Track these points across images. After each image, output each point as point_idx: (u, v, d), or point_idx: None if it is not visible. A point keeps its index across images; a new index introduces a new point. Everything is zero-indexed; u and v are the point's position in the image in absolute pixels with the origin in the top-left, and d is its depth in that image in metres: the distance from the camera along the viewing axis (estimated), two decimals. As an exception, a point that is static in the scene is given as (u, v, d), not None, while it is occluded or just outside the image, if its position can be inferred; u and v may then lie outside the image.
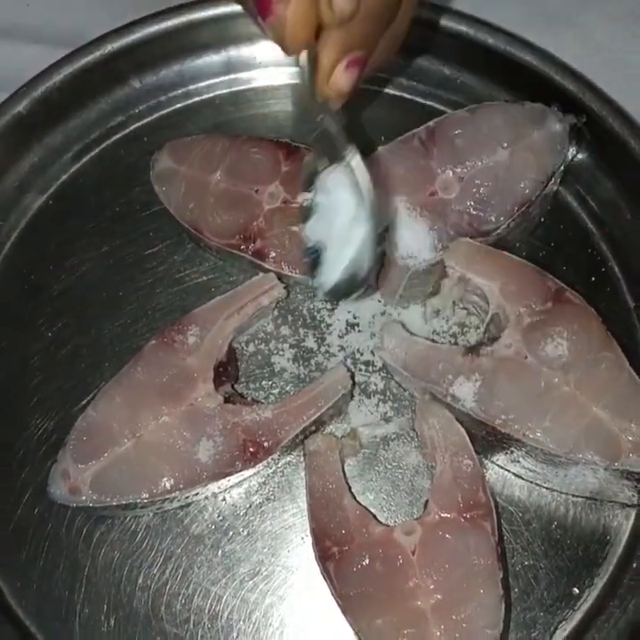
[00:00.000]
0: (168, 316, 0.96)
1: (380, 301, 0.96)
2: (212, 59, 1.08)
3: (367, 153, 0.94)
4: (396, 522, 0.87)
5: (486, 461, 0.89)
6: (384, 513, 0.88)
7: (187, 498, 0.85)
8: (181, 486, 0.82)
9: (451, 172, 0.92)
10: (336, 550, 0.80)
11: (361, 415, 0.92)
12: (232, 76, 1.08)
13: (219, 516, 0.89)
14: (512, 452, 0.84)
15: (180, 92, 1.08)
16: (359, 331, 0.95)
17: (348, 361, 0.94)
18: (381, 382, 0.93)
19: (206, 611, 0.86)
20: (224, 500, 0.89)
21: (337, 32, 0.64)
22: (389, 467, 0.90)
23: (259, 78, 1.09)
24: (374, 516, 0.83)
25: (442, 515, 0.80)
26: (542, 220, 0.99)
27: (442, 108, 1.05)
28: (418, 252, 0.91)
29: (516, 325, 0.84)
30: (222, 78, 1.08)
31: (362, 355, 0.94)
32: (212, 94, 1.08)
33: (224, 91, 1.08)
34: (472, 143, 0.93)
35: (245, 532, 0.88)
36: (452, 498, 0.81)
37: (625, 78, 1.07)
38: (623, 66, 1.09)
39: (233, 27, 1.05)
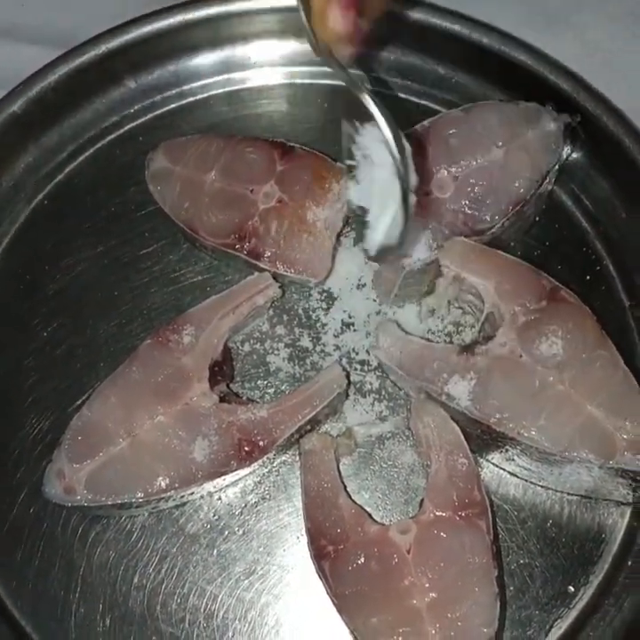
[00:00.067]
0: (163, 315, 0.97)
1: (375, 300, 0.96)
2: (207, 59, 1.08)
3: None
4: (391, 521, 0.87)
5: (481, 460, 0.89)
6: (379, 512, 0.88)
7: (182, 497, 0.85)
8: (177, 485, 0.82)
9: (445, 172, 0.93)
10: (331, 549, 0.80)
11: (356, 414, 0.92)
12: (227, 76, 1.09)
13: (214, 516, 0.89)
14: (507, 450, 0.84)
15: (174, 91, 1.08)
16: (354, 330, 0.95)
17: (344, 360, 0.94)
18: (377, 381, 0.93)
19: (202, 610, 0.86)
20: (219, 499, 0.89)
21: None
22: (385, 465, 0.90)
23: (253, 78, 1.09)
24: (369, 515, 0.83)
25: (437, 513, 0.80)
26: (537, 219, 1.00)
27: (436, 107, 1.06)
28: (413, 252, 0.91)
29: (510, 324, 0.84)
30: (217, 78, 1.09)
31: (357, 354, 0.95)
32: (206, 94, 1.08)
33: (219, 91, 1.09)
34: (467, 142, 0.93)
35: (241, 532, 0.88)
36: (448, 496, 0.81)
37: (625, 78, 1.07)
38: (623, 65, 1.10)
39: (227, 27, 1.05)
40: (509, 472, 0.89)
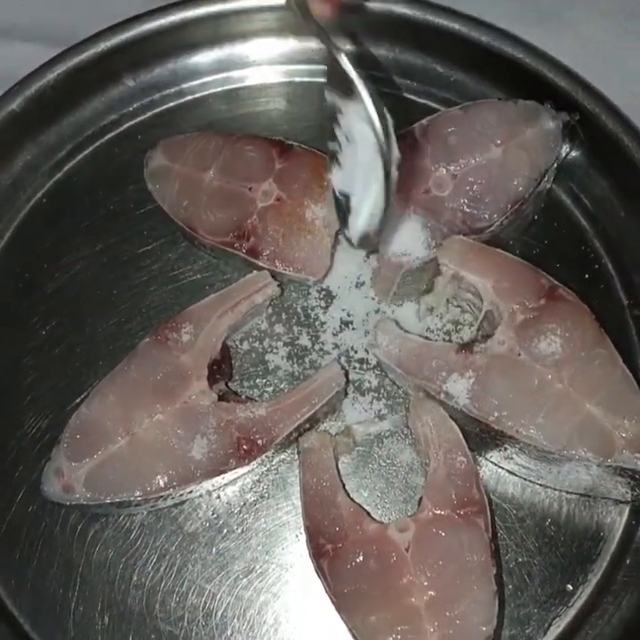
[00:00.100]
0: (162, 314, 0.96)
1: (373, 299, 0.96)
2: (206, 57, 1.08)
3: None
4: (389, 519, 0.87)
5: (480, 458, 0.89)
6: (378, 510, 0.88)
7: (181, 496, 0.85)
8: (175, 484, 0.82)
9: (444, 170, 0.93)
10: (330, 547, 0.80)
11: (355, 413, 0.92)
12: (225, 75, 1.09)
13: (213, 514, 0.89)
14: (506, 448, 0.84)
15: (173, 90, 1.08)
16: (353, 328, 0.95)
17: (342, 359, 0.94)
18: (375, 380, 0.93)
19: (200, 608, 0.86)
20: (218, 497, 0.89)
21: None
22: (383, 464, 0.90)
23: (252, 76, 1.09)
24: (368, 514, 0.83)
25: (435, 512, 0.80)
26: (536, 217, 1.00)
27: (435, 105, 1.06)
28: (411, 250, 0.91)
29: (509, 322, 0.84)
30: (216, 76, 1.08)
31: (356, 352, 0.95)
32: (205, 92, 1.08)
33: (217, 89, 1.08)
34: (465, 141, 0.93)
35: (239, 530, 0.88)
36: (446, 495, 0.81)
37: (618, 74, 1.07)
38: (616, 62, 1.10)
39: (226, 25, 1.05)
40: (508, 470, 0.89)
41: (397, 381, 0.92)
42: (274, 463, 0.90)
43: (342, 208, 0.77)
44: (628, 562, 0.87)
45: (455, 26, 1.01)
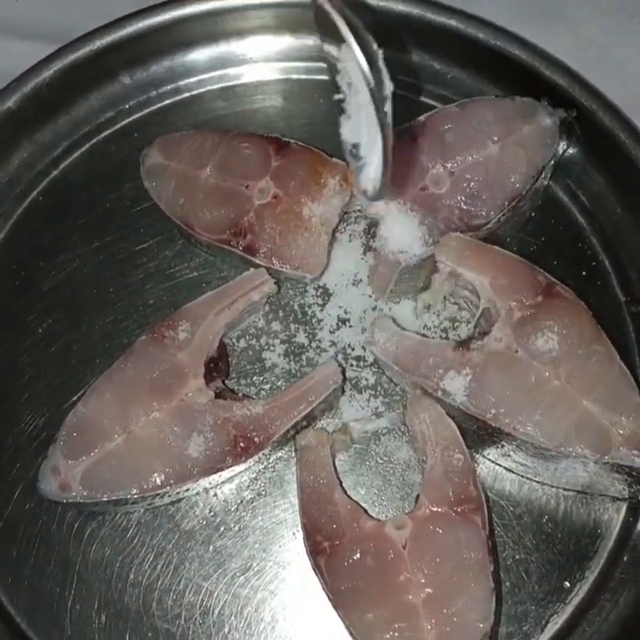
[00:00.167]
0: (159, 311, 0.96)
1: (370, 296, 0.96)
2: (202, 54, 1.08)
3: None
4: (387, 516, 0.87)
5: (477, 455, 0.89)
6: (375, 507, 0.88)
7: (178, 493, 0.85)
8: (172, 482, 0.81)
9: (441, 167, 0.92)
10: (327, 545, 0.80)
11: (352, 410, 0.92)
12: (222, 72, 1.08)
13: (210, 512, 0.89)
14: (503, 446, 0.84)
15: (169, 87, 1.08)
16: (350, 326, 0.95)
17: (339, 356, 0.94)
18: (372, 377, 0.93)
19: (198, 606, 0.86)
20: (215, 495, 0.89)
21: None
22: (380, 461, 0.90)
23: (248, 74, 1.09)
24: (365, 511, 0.83)
25: (433, 509, 0.80)
26: (533, 214, 1.00)
27: (432, 102, 1.06)
28: (408, 247, 0.91)
29: (506, 319, 0.84)
30: (212, 74, 1.08)
31: (353, 350, 0.95)
32: (202, 90, 1.08)
33: (214, 86, 1.08)
34: (462, 138, 0.93)
35: (237, 528, 0.88)
36: (443, 492, 0.81)
37: (617, 73, 1.07)
38: (615, 60, 1.10)
39: (222, 22, 1.05)
40: (505, 468, 0.89)
41: (394, 379, 0.91)
42: (271, 461, 0.90)
43: (355, 159, 0.74)
44: (625, 559, 0.87)
45: (452, 23, 1.01)
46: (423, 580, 0.77)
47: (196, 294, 0.91)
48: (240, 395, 0.92)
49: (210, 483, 0.87)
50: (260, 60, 1.09)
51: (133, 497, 0.81)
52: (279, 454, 0.90)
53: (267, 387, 0.93)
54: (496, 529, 0.87)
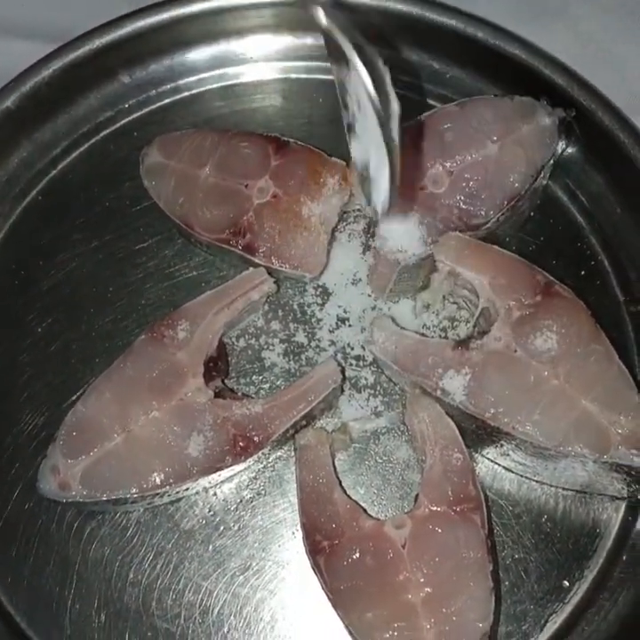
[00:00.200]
0: (158, 311, 0.96)
1: (370, 296, 0.96)
2: (202, 53, 1.08)
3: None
4: (386, 516, 0.87)
5: (476, 455, 0.89)
6: (374, 507, 0.88)
7: (177, 493, 0.85)
8: (172, 481, 0.81)
9: (440, 167, 0.92)
10: (326, 544, 0.80)
11: (351, 409, 0.92)
12: (221, 71, 1.08)
13: (209, 511, 0.89)
14: (502, 445, 0.84)
15: (169, 86, 1.08)
16: (349, 325, 0.95)
17: (339, 355, 0.94)
18: (372, 377, 0.93)
19: (197, 606, 0.86)
20: (215, 494, 0.89)
21: None
22: (380, 461, 0.90)
23: (248, 73, 1.09)
24: (365, 510, 0.83)
25: (432, 508, 0.80)
26: (532, 214, 1.00)
27: (431, 102, 1.06)
28: (408, 247, 0.91)
29: (505, 319, 0.84)
30: (211, 73, 1.08)
31: (352, 349, 0.95)
32: (201, 89, 1.08)
33: (213, 85, 1.08)
34: (461, 137, 0.93)
35: (236, 527, 0.88)
36: (443, 491, 0.81)
37: (617, 71, 1.07)
38: (615, 58, 1.09)
39: (222, 21, 1.05)
40: (504, 467, 0.89)
41: (394, 378, 0.92)
42: (270, 460, 0.90)
43: (365, 181, 0.75)
44: (624, 558, 0.87)
45: (452, 22, 1.01)
46: (422, 580, 0.77)
47: (195, 293, 0.91)
48: (239, 394, 0.92)
49: (209, 482, 0.87)
50: (260, 60, 1.09)
51: (133, 496, 0.81)
52: (278, 453, 0.90)
53: (266, 386, 0.93)
54: (495, 528, 0.87)
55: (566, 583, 0.86)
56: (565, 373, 0.81)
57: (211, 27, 1.06)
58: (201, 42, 1.08)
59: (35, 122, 1.03)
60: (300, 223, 0.92)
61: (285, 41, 1.08)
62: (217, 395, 0.86)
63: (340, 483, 0.85)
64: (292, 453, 0.88)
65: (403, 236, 0.91)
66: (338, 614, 0.78)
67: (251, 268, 0.92)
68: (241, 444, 0.83)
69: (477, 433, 0.85)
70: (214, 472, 0.83)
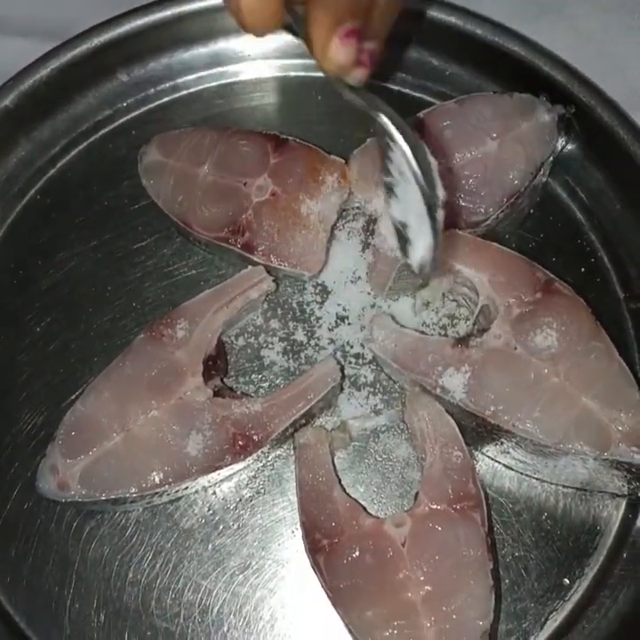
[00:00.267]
0: (157, 310, 0.96)
1: (369, 294, 0.96)
2: (200, 52, 1.08)
3: (355, 146, 0.94)
4: (386, 514, 0.87)
5: (476, 453, 0.89)
6: (374, 505, 0.88)
7: (176, 492, 0.85)
8: (171, 480, 0.81)
9: (439, 164, 0.92)
10: (326, 543, 0.80)
11: (351, 408, 0.92)
12: (220, 69, 1.08)
13: (209, 510, 0.89)
14: (502, 443, 0.84)
15: (168, 85, 1.08)
16: (349, 323, 0.95)
17: (338, 354, 0.94)
18: (371, 375, 0.93)
19: (197, 605, 0.86)
20: (214, 493, 0.89)
21: (320, 4, 0.61)
22: (379, 459, 0.90)
23: (247, 71, 1.08)
24: (364, 509, 0.83)
25: (432, 506, 0.80)
26: (531, 211, 0.99)
27: (430, 99, 1.05)
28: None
29: (505, 316, 0.84)
30: (210, 71, 1.08)
31: (352, 347, 0.94)
32: (200, 87, 1.08)
33: (212, 84, 1.08)
34: (460, 134, 0.93)
35: (236, 526, 0.88)
36: (442, 489, 0.81)
37: (617, 69, 1.06)
38: (615, 57, 1.09)
39: (221, 19, 1.05)
40: (504, 465, 0.89)
41: (393, 376, 0.91)
42: (269, 459, 0.90)
43: (401, 235, 0.76)
44: (624, 555, 0.87)
45: (451, 19, 1.01)
46: (422, 578, 0.77)
47: (194, 292, 0.90)
48: (239, 393, 0.91)
49: (209, 481, 0.86)
50: (258, 58, 1.08)
51: (132, 496, 0.81)
52: (278, 452, 0.90)
53: (265, 385, 0.93)
54: (495, 526, 0.87)
55: (566, 581, 0.86)
56: (565, 371, 0.81)
57: (209, 25, 1.06)
58: (199, 40, 1.07)
59: (33, 120, 1.03)
60: (298, 221, 0.92)
61: (284, 39, 1.07)
62: (216, 393, 0.86)
63: (340, 481, 0.85)
64: (292, 452, 0.88)
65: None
66: (338, 613, 0.78)
67: (250, 267, 0.92)
68: (240, 442, 0.83)
69: (477, 431, 0.84)
70: (213, 471, 0.82)
